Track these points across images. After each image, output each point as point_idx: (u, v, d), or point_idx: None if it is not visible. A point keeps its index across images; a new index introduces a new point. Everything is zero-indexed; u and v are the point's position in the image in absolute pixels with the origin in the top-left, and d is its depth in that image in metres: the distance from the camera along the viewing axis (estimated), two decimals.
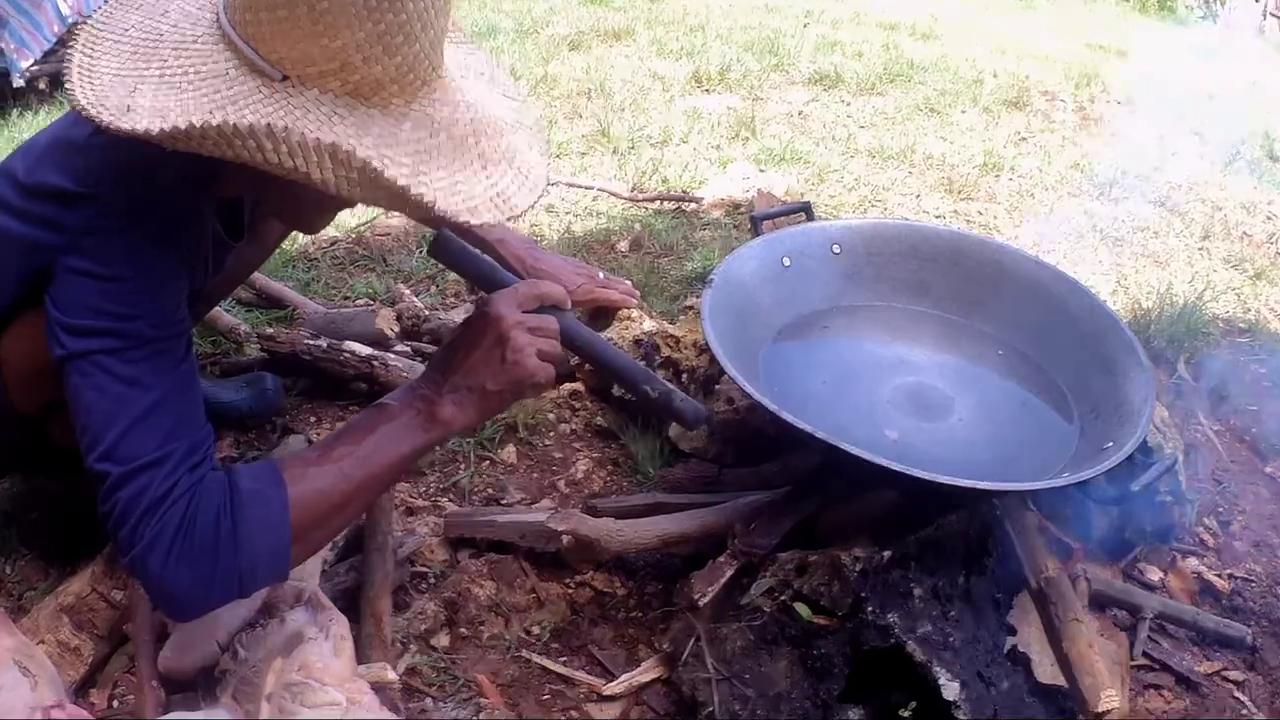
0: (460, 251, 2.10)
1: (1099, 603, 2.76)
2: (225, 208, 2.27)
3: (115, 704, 2.25)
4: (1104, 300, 2.98)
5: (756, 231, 3.10)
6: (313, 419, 3.17)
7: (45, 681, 2.02)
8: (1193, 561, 3.02)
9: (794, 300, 2.97)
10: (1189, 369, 3.83)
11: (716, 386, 2.97)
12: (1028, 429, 2.78)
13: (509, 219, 1.81)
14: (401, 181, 1.63)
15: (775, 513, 2.55)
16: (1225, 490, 3.33)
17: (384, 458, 1.91)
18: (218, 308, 3.53)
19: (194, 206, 1.95)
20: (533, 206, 1.86)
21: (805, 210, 3.24)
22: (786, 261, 2.97)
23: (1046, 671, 2.40)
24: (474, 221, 1.72)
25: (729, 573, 2.43)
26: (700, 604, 2.38)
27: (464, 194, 1.73)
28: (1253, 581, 3.00)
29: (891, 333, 3.02)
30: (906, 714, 2.22)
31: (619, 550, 2.55)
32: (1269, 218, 5.69)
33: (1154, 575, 2.95)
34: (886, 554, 2.34)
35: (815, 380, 2.78)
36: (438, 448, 3.00)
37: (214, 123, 1.55)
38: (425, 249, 2.12)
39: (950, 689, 2.14)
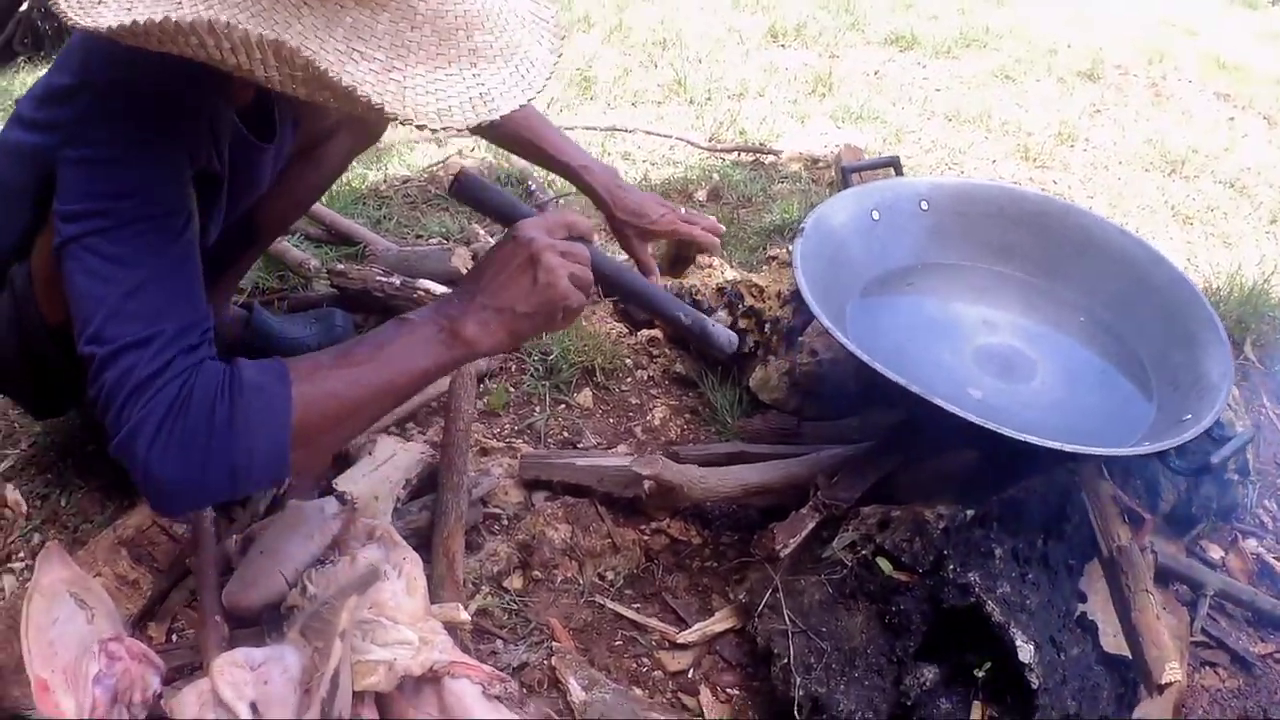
0: (482, 189, 2.06)
1: (1163, 576, 2.75)
2: (254, 108, 2.23)
3: (174, 637, 2.25)
4: (1185, 273, 2.95)
5: (846, 183, 3.09)
6: None
7: (103, 615, 2.01)
8: (1252, 542, 3.01)
9: (882, 255, 2.95)
10: (1255, 351, 3.80)
11: (800, 338, 2.96)
12: (1107, 397, 2.77)
13: (489, 119, 1.66)
14: (346, 82, 1.52)
15: (859, 467, 2.54)
16: None
17: (401, 370, 1.83)
18: (285, 242, 3.55)
19: (189, 90, 1.85)
20: (523, 106, 1.73)
21: (894, 165, 3.22)
22: (876, 215, 2.95)
23: (1109, 641, 2.38)
24: (438, 125, 1.60)
25: (811, 525, 2.42)
26: (781, 555, 2.37)
27: (439, 94, 1.61)
28: None
29: (976, 293, 2.99)
30: (981, 674, 2.22)
31: (700, 498, 2.53)
32: None
33: (1215, 553, 2.94)
34: (970, 513, 2.34)
35: (901, 336, 2.76)
36: (483, 378, 3.03)
37: (156, 19, 1.48)
38: (450, 190, 2.07)
39: (1025, 651, 2.13)
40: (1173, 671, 2.15)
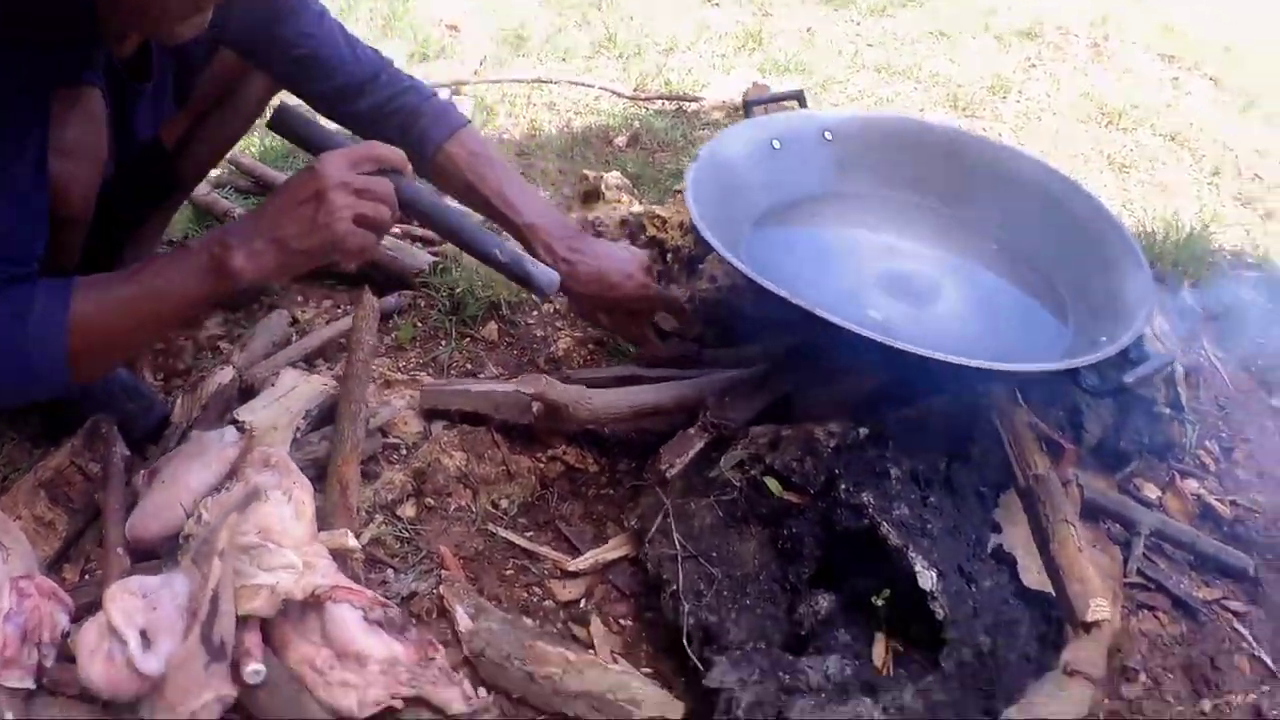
0: (304, 124, 2.03)
1: (1092, 512, 2.69)
2: (136, 57, 2.21)
3: (86, 577, 2.21)
4: (1108, 206, 2.92)
5: (748, 115, 3.05)
6: (299, 298, 3.13)
7: (18, 555, 2.02)
8: (1192, 483, 2.97)
9: (783, 184, 2.91)
10: (1193, 294, 3.78)
11: (700, 266, 2.93)
12: (1020, 322, 2.75)
13: None
14: None
15: (750, 388, 2.50)
16: (1229, 416, 3.28)
17: (169, 298, 1.86)
18: (214, 194, 3.54)
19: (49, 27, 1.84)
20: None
21: (798, 98, 3.17)
22: (776, 144, 2.90)
23: (1034, 578, 2.32)
24: None
25: (699, 445, 2.37)
26: (668, 475, 2.33)
27: None
28: (1257, 512, 2.94)
29: (882, 222, 2.96)
30: (880, 602, 2.17)
31: (588, 418, 2.49)
32: None
33: (1151, 492, 2.89)
34: (863, 431, 2.30)
35: (800, 261, 2.72)
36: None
37: None
38: (269, 124, 2.08)
39: (926, 577, 2.09)
40: (1099, 609, 2.10)
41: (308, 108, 2.30)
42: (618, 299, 2.56)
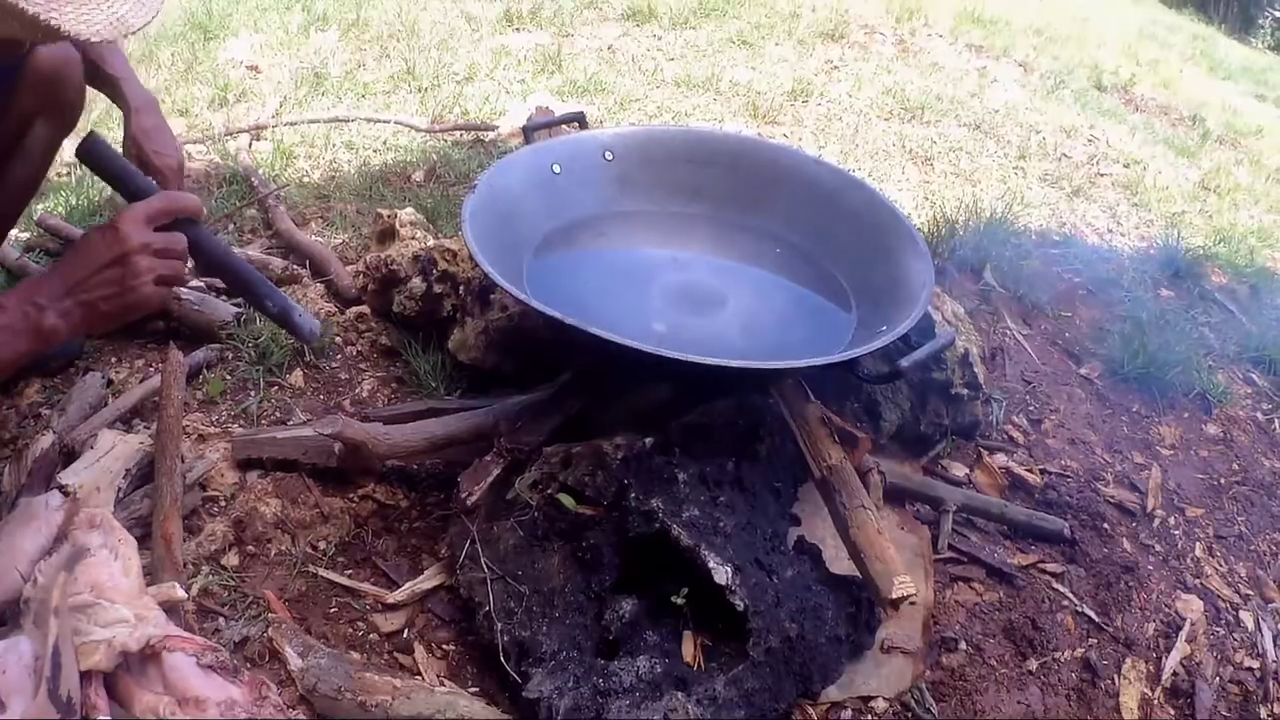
0: (109, 157, 2.06)
1: (897, 496, 2.82)
2: None
3: None
4: (884, 195, 3.01)
5: (528, 141, 3.09)
6: (113, 359, 3.10)
7: None
8: (1001, 457, 3.10)
9: (565, 207, 2.96)
10: (995, 276, 3.90)
11: (492, 296, 2.96)
12: (805, 321, 2.83)
13: (125, 35, 1.77)
14: (31, 10, 1.61)
15: (541, 410, 2.56)
16: (1036, 390, 3.43)
17: None
18: (25, 258, 3.50)
19: None
20: (147, 25, 1.83)
21: (579, 119, 3.23)
22: (557, 169, 2.96)
23: (843, 566, 2.42)
24: (94, 39, 1.70)
25: (496, 471, 2.43)
26: (469, 503, 2.38)
27: (87, 20, 1.70)
28: (1069, 477, 3.09)
29: (666, 236, 3.03)
30: (680, 601, 2.24)
31: (387, 454, 2.53)
32: (1090, 140, 5.86)
33: (959, 471, 3.02)
34: (648, 441, 2.36)
35: (584, 282, 2.79)
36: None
37: None
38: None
39: (721, 573, 2.16)
40: (903, 585, 2.18)
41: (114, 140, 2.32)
42: (151, 161, 2.53)
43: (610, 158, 3.06)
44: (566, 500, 2.33)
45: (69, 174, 4.37)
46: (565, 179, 2.98)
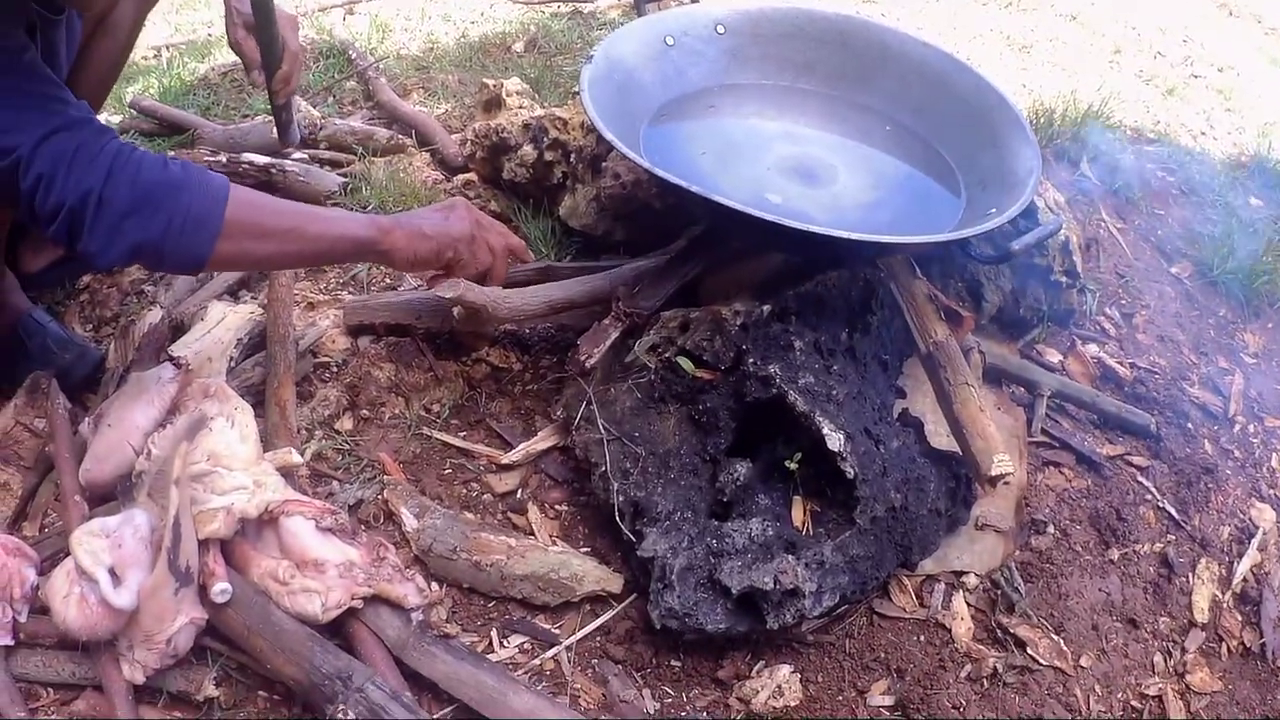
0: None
1: (995, 377, 2.83)
2: None
3: (46, 530, 2.25)
4: (992, 80, 2.97)
5: (640, 13, 3.09)
6: None
7: None
8: (1093, 348, 3.11)
9: (678, 79, 2.95)
10: (1092, 169, 3.87)
11: (604, 164, 2.98)
12: (914, 199, 2.82)
13: None
14: None
15: (658, 275, 2.58)
16: (1128, 285, 3.41)
17: (327, 225, 2.11)
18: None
19: None
20: None
21: None
22: (669, 40, 2.95)
23: (942, 441, 2.46)
24: None
25: (614, 334, 2.46)
26: (588, 365, 2.41)
27: None
28: (1156, 374, 3.09)
29: (777, 109, 3.02)
30: (793, 465, 2.28)
31: (507, 317, 2.55)
32: (1184, 40, 5.74)
33: (1053, 357, 3.03)
34: (766, 308, 2.39)
35: (698, 153, 2.78)
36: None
37: None
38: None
39: (834, 439, 2.19)
40: (1002, 463, 2.20)
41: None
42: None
43: (722, 31, 3.04)
44: (685, 364, 2.36)
45: (155, 56, 4.40)
46: (678, 51, 2.96)
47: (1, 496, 2.28)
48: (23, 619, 1.93)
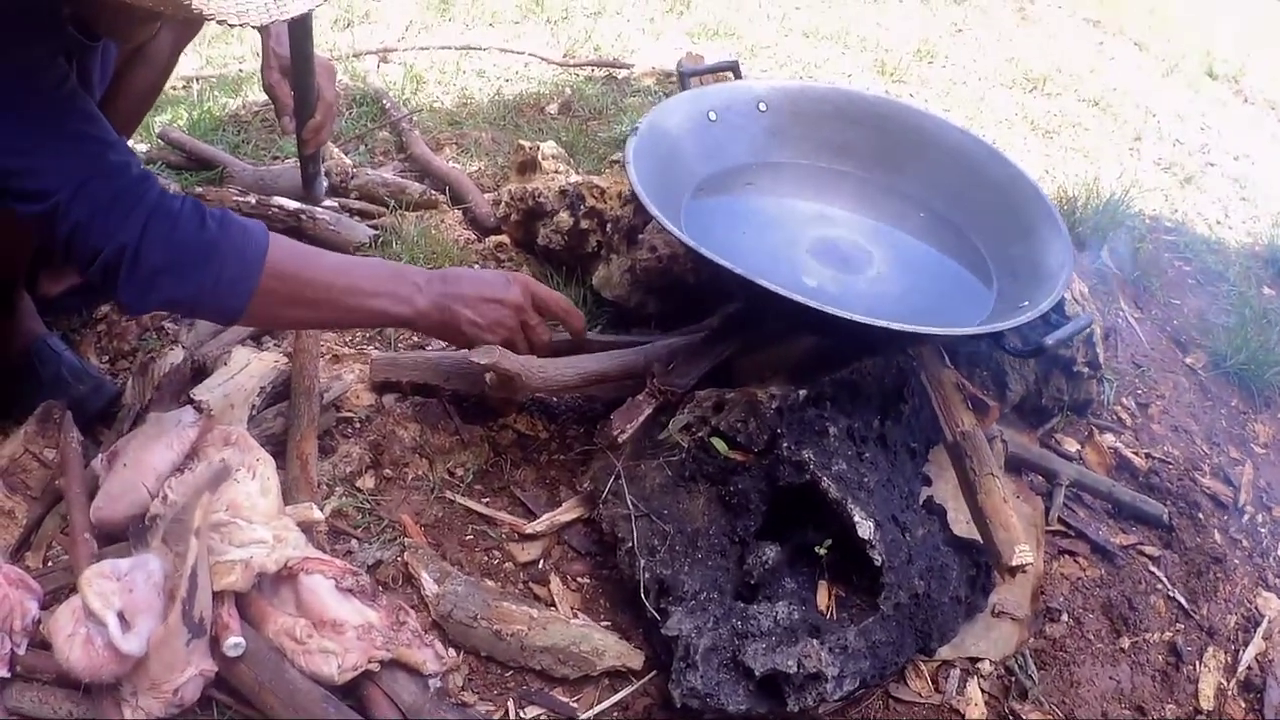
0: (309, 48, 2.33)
1: (1015, 466, 2.83)
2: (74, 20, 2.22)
3: (50, 564, 2.24)
4: (1027, 171, 2.99)
5: (684, 86, 3.11)
6: None
7: None
8: (1109, 437, 3.12)
9: (718, 154, 2.96)
10: (1112, 258, 3.89)
11: (640, 236, 2.99)
12: (946, 287, 2.82)
13: (282, 19, 1.74)
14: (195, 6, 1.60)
15: (693, 353, 2.57)
16: (1144, 374, 3.44)
17: (362, 299, 2.13)
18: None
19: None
20: (313, 10, 1.86)
21: (733, 69, 3.22)
22: (712, 116, 2.96)
23: (962, 528, 2.45)
24: (236, 23, 1.66)
25: (648, 410, 2.45)
26: (620, 440, 2.40)
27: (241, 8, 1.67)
28: (1170, 464, 3.11)
29: (814, 190, 3.03)
30: (823, 551, 2.28)
31: (539, 386, 2.53)
32: (1202, 128, 5.80)
33: (1071, 446, 3.04)
34: (802, 392, 2.39)
35: (736, 230, 2.79)
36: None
37: None
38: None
39: (865, 527, 2.19)
40: (1023, 554, 2.20)
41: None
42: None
43: (764, 109, 3.06)
44: (719, 444, 2.35)
45: (185, 87, 4.41)
46: (720, 126, 2.98)
47: (6, 525, 2.25)
48: (21, 652, 1.91)
